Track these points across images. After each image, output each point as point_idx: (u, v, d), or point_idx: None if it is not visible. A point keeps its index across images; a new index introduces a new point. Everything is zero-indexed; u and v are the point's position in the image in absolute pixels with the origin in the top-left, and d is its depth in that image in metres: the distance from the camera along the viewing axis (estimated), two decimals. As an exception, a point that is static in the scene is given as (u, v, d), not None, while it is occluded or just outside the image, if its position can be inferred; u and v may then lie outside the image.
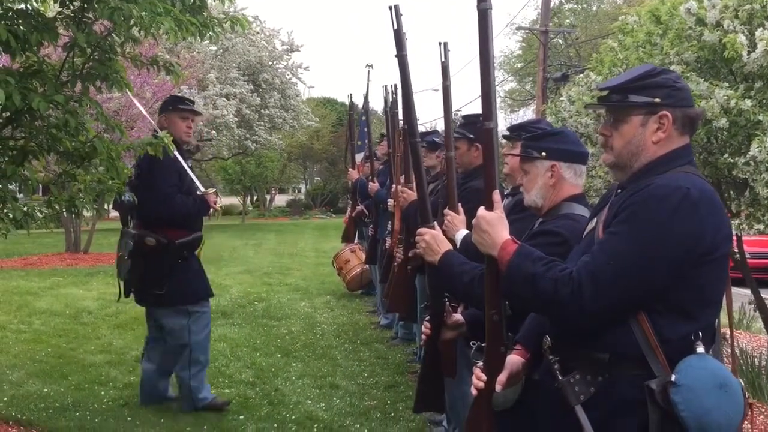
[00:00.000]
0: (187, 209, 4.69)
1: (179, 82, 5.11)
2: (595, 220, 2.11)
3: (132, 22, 3.57)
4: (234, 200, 37.34)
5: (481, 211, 2.15)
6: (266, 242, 17.68)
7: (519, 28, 27.14)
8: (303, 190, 48.86)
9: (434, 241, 2.63)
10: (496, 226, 2.10)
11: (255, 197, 42.77)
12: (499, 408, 2.29)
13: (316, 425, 4.71)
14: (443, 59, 3.38)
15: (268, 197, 42.06)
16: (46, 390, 5.17)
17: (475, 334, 2.77)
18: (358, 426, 4.72)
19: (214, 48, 22.40)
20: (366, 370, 6.00)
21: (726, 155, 5.10)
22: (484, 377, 2.21)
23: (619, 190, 2.08)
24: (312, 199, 42.25)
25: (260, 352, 6.44)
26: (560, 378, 1.99)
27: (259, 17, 23.05)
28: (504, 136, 3.55)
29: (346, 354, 6.51)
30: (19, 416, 4.65)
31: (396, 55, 3.08)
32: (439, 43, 3.42)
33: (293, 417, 4.82)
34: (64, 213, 4.27)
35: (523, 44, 34.87)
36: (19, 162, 4.11)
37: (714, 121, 4.94)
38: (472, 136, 3.99)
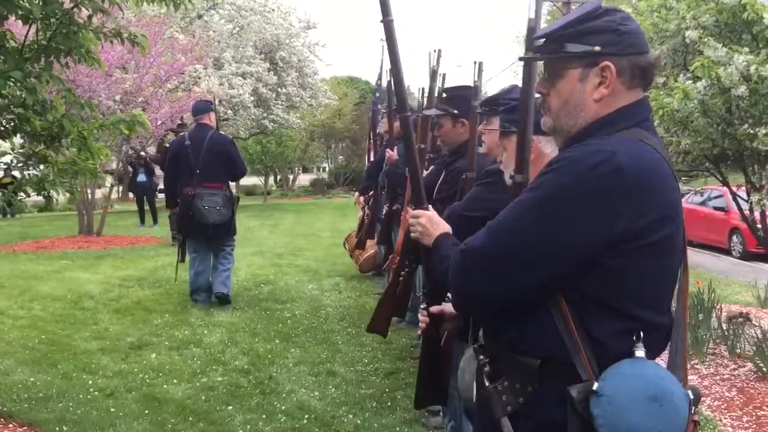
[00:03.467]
0: None
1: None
2: None
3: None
4: (256, 180, 37.20)
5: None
6: (283, 222, 17.48)
7: None
8: (326, 169, 48.65)
9: (430, 223, 2.34)
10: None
11: (278, 177, 42.63)
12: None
13: (306, 416, 4.49)
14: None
15: (290, 177, 41.92)
16: (32, 379, 5.00)
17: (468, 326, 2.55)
18: (350, 416, 4.49)
19: (230, 26, 22.13)
20: (367, 356, 5.77)
21: (746, 126, 4.74)
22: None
23: None
24: (335, 178, 42.03)
25: (259, 338, 6.22)
26: (487, 385, 1.68)
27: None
28: (478, 112, 3.25)
29: (348, 339, 6.27)
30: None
31: (381, 21, 2.77)
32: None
33: (283, 407, 4.61)
34: (29, 197, 4.07)
35: (548, 17, 34.11)
36: (-15, 143, 3.91)
37: (732, 89, 4.57)
38: (456, 111, 3.73)
